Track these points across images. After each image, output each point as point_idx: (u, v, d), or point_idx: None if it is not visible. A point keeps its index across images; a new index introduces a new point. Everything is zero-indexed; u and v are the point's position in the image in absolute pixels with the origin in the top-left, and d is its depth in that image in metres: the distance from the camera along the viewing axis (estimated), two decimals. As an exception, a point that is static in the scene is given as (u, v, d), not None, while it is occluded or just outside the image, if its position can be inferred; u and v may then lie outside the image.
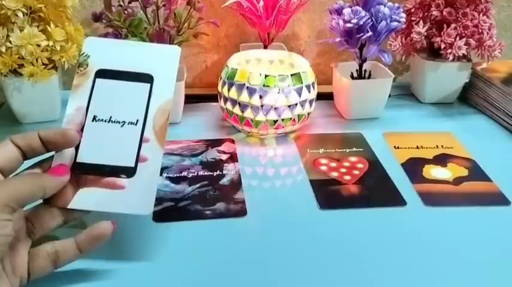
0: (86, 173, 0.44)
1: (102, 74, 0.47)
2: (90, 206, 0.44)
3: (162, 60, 0.48)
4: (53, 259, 0.41)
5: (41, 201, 0.43)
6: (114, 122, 0.46)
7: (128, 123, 0.46)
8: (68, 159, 0.44)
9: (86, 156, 0.45)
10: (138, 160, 0.45)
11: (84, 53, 0.47)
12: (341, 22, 0.69)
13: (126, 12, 0.68)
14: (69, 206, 0.43)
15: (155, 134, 0.46)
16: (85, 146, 0.45)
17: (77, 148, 0.45)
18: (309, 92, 0.67)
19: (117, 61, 0.47)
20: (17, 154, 0.42)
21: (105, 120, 0.46)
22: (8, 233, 0.37)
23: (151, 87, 0.47)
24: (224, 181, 0.59)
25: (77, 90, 0.46)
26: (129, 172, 0.45)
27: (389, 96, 0.76)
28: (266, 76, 0.65)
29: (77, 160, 0.45)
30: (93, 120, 0.46)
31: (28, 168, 0.44)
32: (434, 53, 0.79)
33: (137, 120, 0.46)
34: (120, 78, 0.47)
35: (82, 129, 0.45)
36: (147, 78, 0.47)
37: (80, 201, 0.43)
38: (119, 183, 0.44)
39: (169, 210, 0.53)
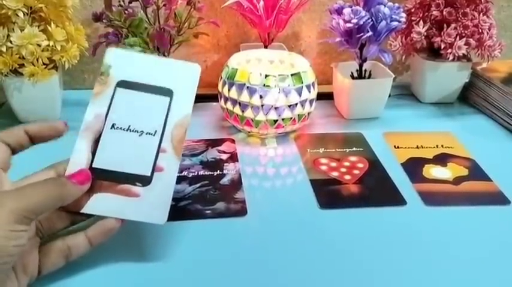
0: (101, 179, 0.44)
1: (123, 84, 0.47)
2: (103, 211, 0.44)
3: (182, 76, 0.48)
4: (66, 254, 0.42)
5: None
6: (133, 131, 0.46)
7: (146, 134, 0.46)
8: (83, 164, 0.44)
9: (102, 162, 0.45)
10: (154, 169, 0.45)
11: (106, 63, 0.48)
12: (341, 22, 0.69)
13: (126, 12, 0.68)
14: (82, 211, 0.43)
15: (172, 146, 0.46)
16: (102, 152, 0.45)
17: (93, 153, 0.45)
18: (309, 92, 0.67)
19: (138, 74, 0.47)
20: (8, 153, 0.42)
21: (123, 129, 0.46)
22: (22, 243, 0.36)
23: (170, 101, 0.47)
24: (224, 180, 0.59)
25: (97, 98, 0.46)
26: (145, 180, 0.45)
27: (390, 96, 0.76)
28: (266, 76, 0.65)
29: (93, 165, 0.44)
30: (111, 128, 0.46)
31: (43, 170, 0.44)
32: (434, 53, 0.79)
33: (155, 131, 0.46)
34: (141, 89, 0.47)
35: (99, 137, 0.45)
36: (167, 92, 0.47)
37: (94, 206, 0.43)
38: (134, 191, 0.44)
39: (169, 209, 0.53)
